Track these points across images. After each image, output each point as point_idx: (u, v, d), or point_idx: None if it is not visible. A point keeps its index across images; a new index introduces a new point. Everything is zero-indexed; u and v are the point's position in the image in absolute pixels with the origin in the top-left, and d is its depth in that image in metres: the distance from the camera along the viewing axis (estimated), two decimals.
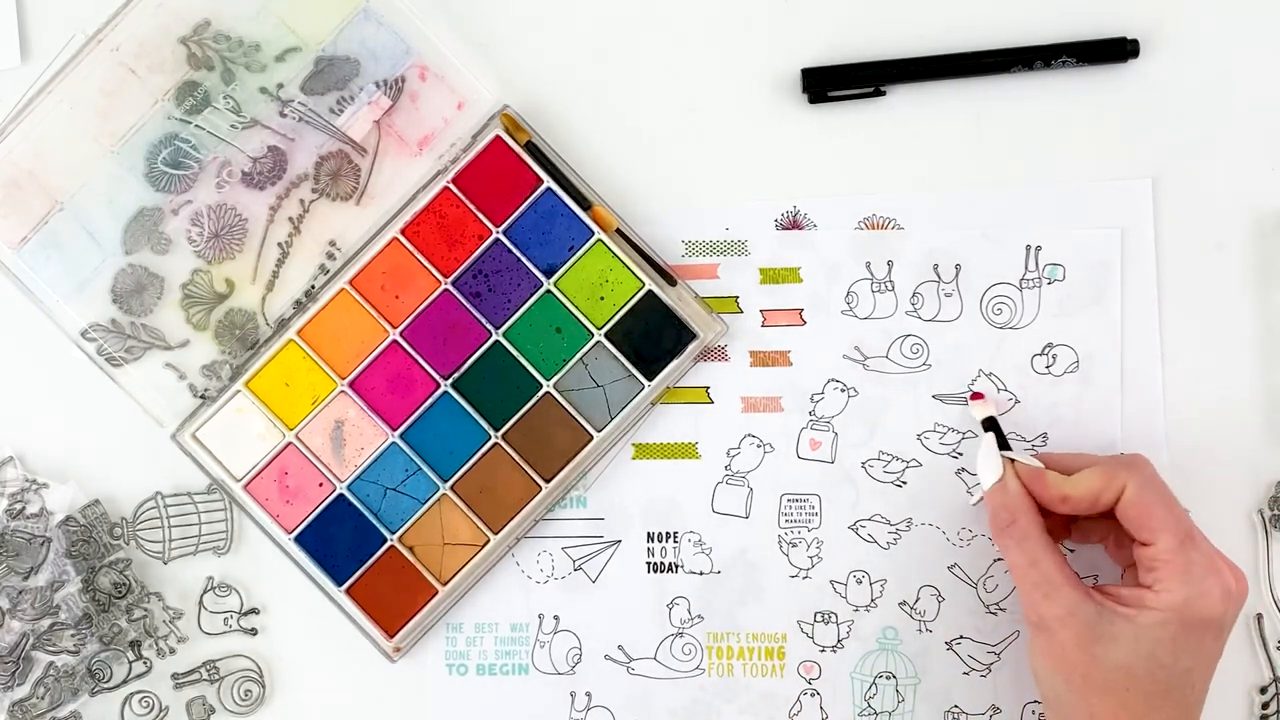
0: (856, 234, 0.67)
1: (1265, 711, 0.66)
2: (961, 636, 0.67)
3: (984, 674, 0.67)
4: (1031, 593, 0.58)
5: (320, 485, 0.67)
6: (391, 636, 0.66)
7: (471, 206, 0.67)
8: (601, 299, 0.67)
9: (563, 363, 0.67)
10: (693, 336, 0.66)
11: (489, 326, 0.67)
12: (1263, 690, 0.66)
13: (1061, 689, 0.58)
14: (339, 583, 0.66)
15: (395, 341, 0.67)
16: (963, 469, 0.67)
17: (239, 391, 0.67)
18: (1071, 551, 0.66)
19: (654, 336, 0.67)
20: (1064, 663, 0.57)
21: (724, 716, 0.67)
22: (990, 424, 0.64)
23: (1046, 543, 0.59)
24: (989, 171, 0.67)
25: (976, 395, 0.66)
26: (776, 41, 0.68)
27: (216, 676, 0.68)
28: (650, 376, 0.67)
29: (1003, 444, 0.63)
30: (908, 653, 0.67)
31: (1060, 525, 0.63)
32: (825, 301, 0.67)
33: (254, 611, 0.68)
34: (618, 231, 0.67)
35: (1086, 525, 0.63)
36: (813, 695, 0.67)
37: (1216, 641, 0.57)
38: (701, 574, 0.67)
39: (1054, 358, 0.67)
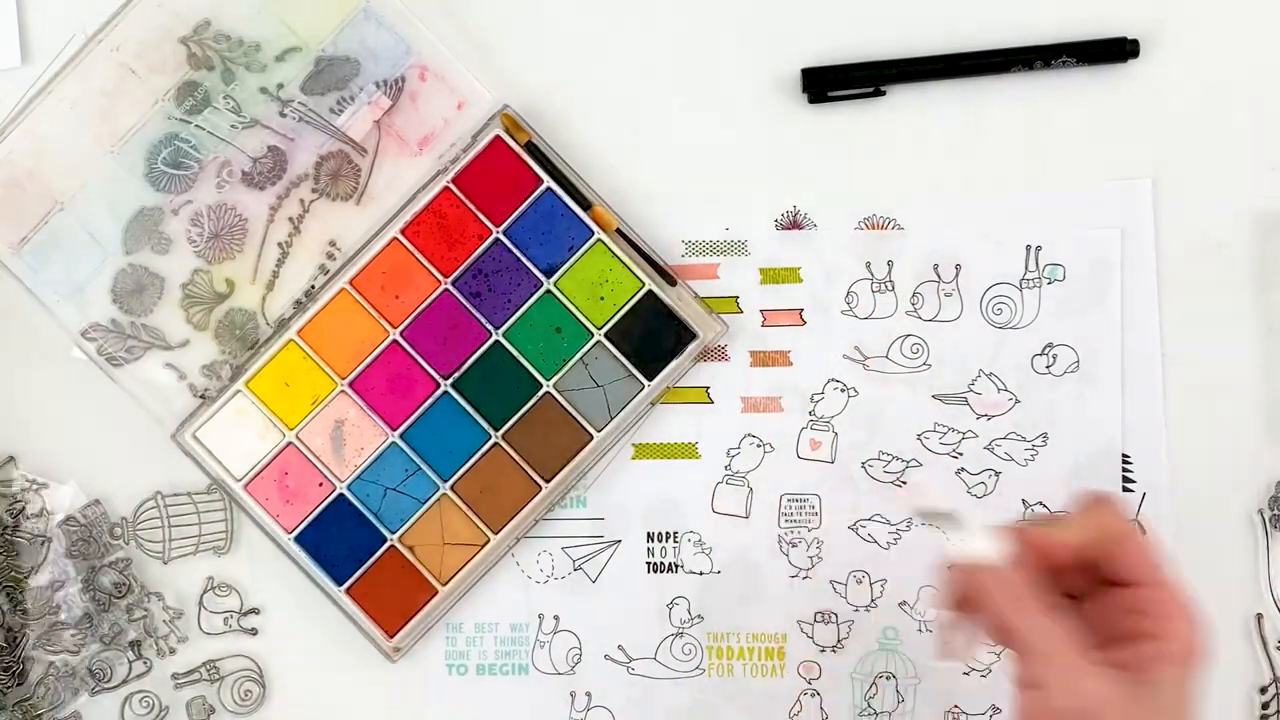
0: (856, 234, 0.67)
1: (1265, 712, 0.66)
2: None
3: (984, 674, 0.67)
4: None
5: (320, 485, 0.67)
6: (391, 636, 0.66)
7: (471, 206, 0.67)
8: (601, 299, 0.67)
9: (563, 362, 0.67)
10: (693, 336, 0.66)
11: (489, 326, 0.67)
12: (1263, 690, 0.66)
13: None
14: (339, 583, 0.66)
15: (395, 341, 0.67)
16: (962, 469, 0.67)
17: (239, 391, 0.67)
18: None
19: (654, 336, 0.66)
20: None
21: (724, 716, 0.67)
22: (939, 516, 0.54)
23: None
24: (989, 171, 0.67)
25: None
26: (776, 41, 0.68)
27: (216, 676, 0.68)
28: (650, 376, 0.67)
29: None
30: (908, 653, 0.67)
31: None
32: (825, 301, 0.67)
33: (254, 611, 0.68)
34: (618, 231, 0.67)
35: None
36: (813, 695, 0.67)
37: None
38: (701, 574, 0.67)
39: (1054, 358, 0.67)
